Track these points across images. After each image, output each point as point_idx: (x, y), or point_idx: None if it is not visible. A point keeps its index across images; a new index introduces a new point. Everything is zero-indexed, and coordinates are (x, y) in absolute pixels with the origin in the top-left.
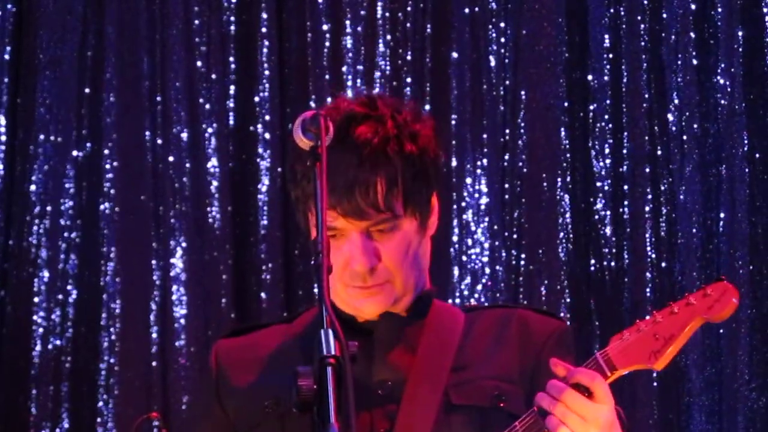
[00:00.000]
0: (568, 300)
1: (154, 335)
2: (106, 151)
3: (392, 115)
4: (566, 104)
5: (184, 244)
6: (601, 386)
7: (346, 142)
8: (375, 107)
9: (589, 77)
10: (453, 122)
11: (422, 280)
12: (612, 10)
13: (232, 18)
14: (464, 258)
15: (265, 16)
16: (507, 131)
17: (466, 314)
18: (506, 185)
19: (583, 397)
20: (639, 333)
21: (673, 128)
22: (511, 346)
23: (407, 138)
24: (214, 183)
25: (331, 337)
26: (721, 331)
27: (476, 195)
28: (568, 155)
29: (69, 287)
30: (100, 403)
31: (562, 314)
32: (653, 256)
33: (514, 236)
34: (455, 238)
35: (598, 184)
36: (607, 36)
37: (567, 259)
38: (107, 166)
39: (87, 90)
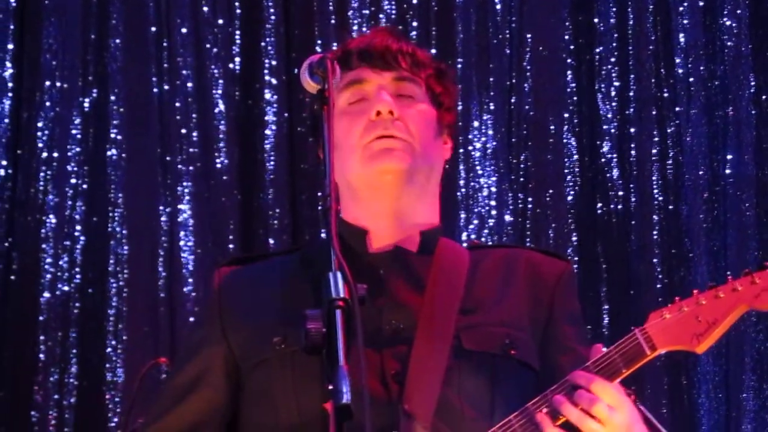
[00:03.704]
0: (575, 243)
1: (162, 281)
2: (113, 97)
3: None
4: (572, 47)
5: (191, 190)
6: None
7: (378, 34)
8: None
9: (595, 20)
10: (459, 66)
11: (433, 212)
12: None
13: None
14: (471, 201)
15: None
16: (513, 74)
17: (470, 252)
18: (513, 128)
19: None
20: (680, 313)
21: (680, 70)
22: (519, 288)
23: (434, 57)
24: (221, 128)
25: (340, 279)
26: (729, 274)
27: (483, 138)
28: (574, 98)
29: (76, 233)
30: (109, 349)
31: (569, 257)
32: (660, 198)
33: (521, 179)
34: (462, 182)
35: (605, 126)
36: None
37: (574, 201)
38: (114, 112)
39: (92, 36)
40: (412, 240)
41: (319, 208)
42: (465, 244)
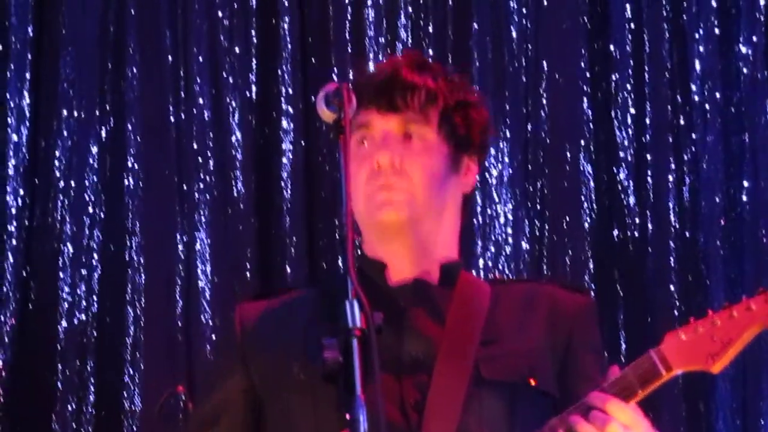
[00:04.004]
0: (591, 270)
1: (179, 310)
2: (130, 126)
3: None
4: (588, 74)
5: (208, 219)
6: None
7: (393, 67)
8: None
9: (611, 47)
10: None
11: (452, 246)
12: None
13: None
14: (487, 229)
15: None
16: (529, 102)
17: (491, 287)
18: (529, 156)
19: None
20: (696, 333)
21: (696, 97)
22: (539, 322)
23: (456, 83)
24: (238, 156)
25: (356, 308)
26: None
27: (499, 165)
28: (590, 125)
29: (94, 262)
30: (126, 378)
31: (585, 285)
32: (676, 225)
33: (537, 207)
34: (478, 209)
35: (621, 153)
36: (628, 5)
37: (590, 229)
38: (131, 141)
39: (109, 65)
40: (432, 273)
41: (337, 236)
42: (482, 275)
